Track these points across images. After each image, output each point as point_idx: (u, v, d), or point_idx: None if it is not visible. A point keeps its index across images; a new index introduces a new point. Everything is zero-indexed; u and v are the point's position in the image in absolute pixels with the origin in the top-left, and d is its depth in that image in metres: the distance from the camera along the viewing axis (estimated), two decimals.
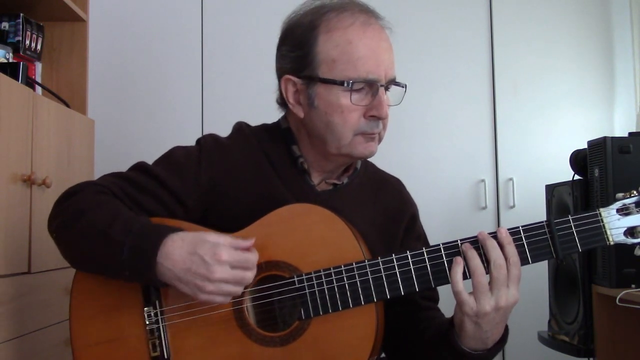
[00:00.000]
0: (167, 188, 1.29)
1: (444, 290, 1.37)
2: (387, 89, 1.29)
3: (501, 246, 1.15)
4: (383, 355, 1.40)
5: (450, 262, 1.17)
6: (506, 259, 1.14)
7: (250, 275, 1.16)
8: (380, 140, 1.32)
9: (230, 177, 1.31)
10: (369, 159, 1.41)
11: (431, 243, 1.30)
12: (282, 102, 1.36)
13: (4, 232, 1.60)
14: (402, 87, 1.31)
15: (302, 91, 1.30)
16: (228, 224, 1.26)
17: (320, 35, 1.27)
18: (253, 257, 1.17)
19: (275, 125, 1.39)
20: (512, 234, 1.17)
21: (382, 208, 1.39)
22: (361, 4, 1.31)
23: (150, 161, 1.35)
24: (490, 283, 1.15)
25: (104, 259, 1.19)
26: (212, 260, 1.12)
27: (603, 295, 2.06)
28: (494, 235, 1.16)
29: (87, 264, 1.23)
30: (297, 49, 1.29)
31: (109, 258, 1.17)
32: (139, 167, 1.33)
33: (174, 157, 1.33)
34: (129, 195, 1.28)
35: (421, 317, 1.35)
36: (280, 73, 1.33)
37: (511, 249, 1.15)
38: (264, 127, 1.40)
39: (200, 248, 1.13)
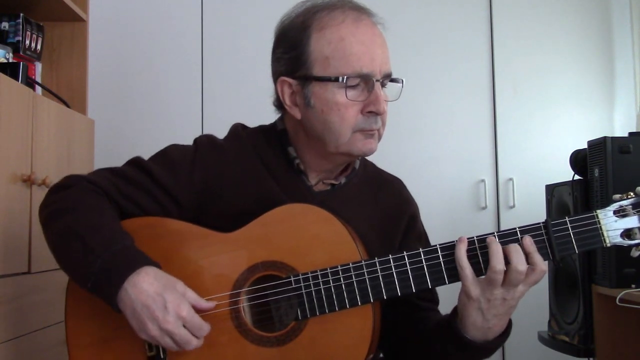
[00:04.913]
0: (159, 184, 1.29)
1: (444, 293, 1.37)
2: (383, 84, 1.28)
3: (526, 254, 1.14)
4: (381, 355, 1.40)
5: (447, 263, 1.17)
6: (533, 264, 1.13)
7: (195, 343, 1.16)
8: (379, 137, 1.31)
9: (224, 178, 1.31)
10: (369, 159, 1.41)
11: (431, 243, 1.29)
12: (279, 104, 1.35)
13: (4, 232, 1.60)
14: (399, 82, 1.30)
15: (298, 92, 1.29)
16: (223, 224, 1.26)
17: (313, 34, 1.26)
18: (206, 329, 1.17)
19: (271, 126, 1.39)
20: (508, 235, 1.16)
21: (381, 208, 1.38)
22: (352, 2, 1.31)
23: None
24: (504, 281, 1.14)
25: (74, 262, 1.19)
26: (172, 310, 1.13)
27: (603, 295, 2.06)
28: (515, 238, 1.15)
29: (60, 261, 1.23)
30: (290, 50, 1.29)
31: (79, 264, 1.18)
32: (134, 162, 1.33)
33: (169, 155, 1.33)
34: (121, 191, 1.28)
35: (422, 317, 1.35)
36: (276, 76, 1.33)
37: (537, 257, 1.14)
38: (260, 129, 1.40)
39: (168, 293, 1.14)
